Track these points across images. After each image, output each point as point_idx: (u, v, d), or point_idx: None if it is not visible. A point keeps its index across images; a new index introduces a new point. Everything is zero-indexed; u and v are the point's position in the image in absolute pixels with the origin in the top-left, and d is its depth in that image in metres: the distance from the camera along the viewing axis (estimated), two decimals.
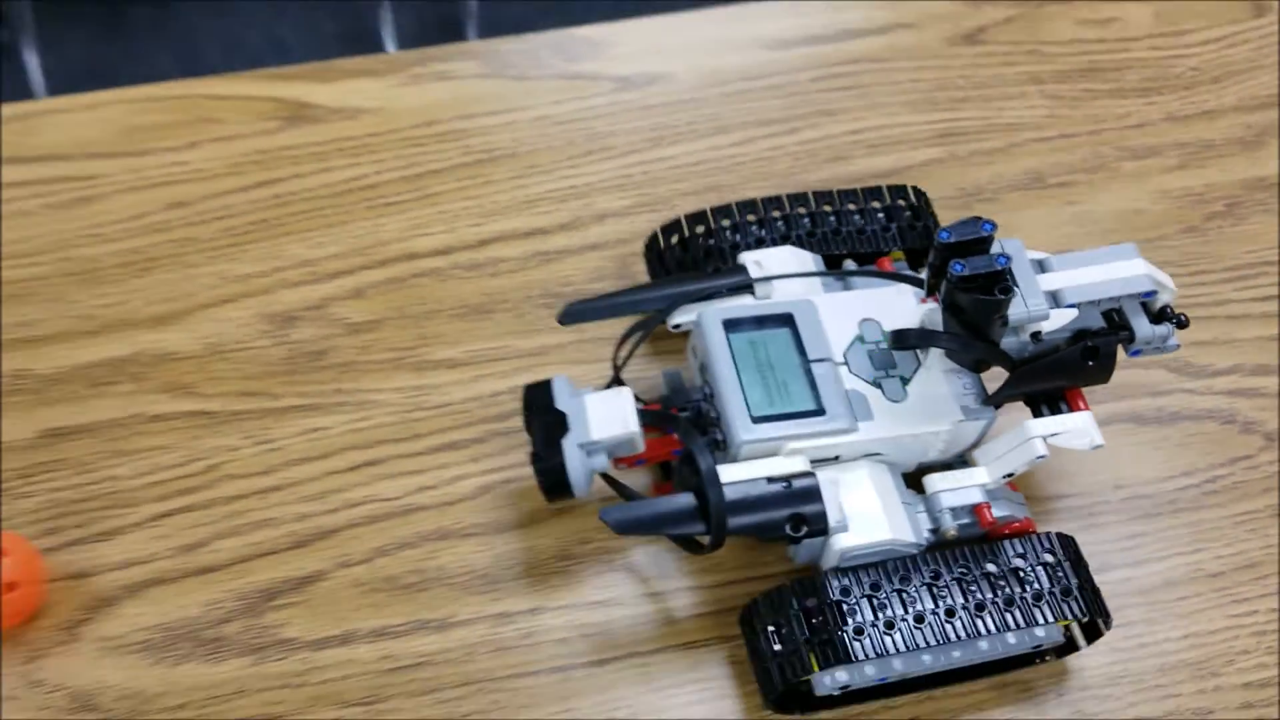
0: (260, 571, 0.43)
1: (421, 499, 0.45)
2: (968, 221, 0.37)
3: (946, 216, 0.50)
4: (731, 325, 0.41)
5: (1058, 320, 0.39)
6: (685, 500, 0.38)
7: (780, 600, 0.39)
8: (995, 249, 0.37)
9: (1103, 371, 0.40)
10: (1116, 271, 0.40)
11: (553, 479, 0.39)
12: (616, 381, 0.43)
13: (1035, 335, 0.39)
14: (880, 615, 0.37)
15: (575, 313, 0.43)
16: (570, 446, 0.39)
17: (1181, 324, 0.41)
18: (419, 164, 0.54)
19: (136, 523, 0.43)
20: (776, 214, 0.47)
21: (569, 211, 0.53)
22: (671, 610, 0.42)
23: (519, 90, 0.57)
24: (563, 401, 0.40)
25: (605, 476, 0.41)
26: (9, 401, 0.46)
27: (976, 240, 0.37)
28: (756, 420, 0.39)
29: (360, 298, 0.50)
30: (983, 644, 0.40)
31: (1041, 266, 0.40)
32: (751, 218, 0.47)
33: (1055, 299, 0.39)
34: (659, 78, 0.57)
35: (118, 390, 0.46)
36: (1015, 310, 0.38)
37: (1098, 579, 0.42)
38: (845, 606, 0.37)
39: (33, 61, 1.35)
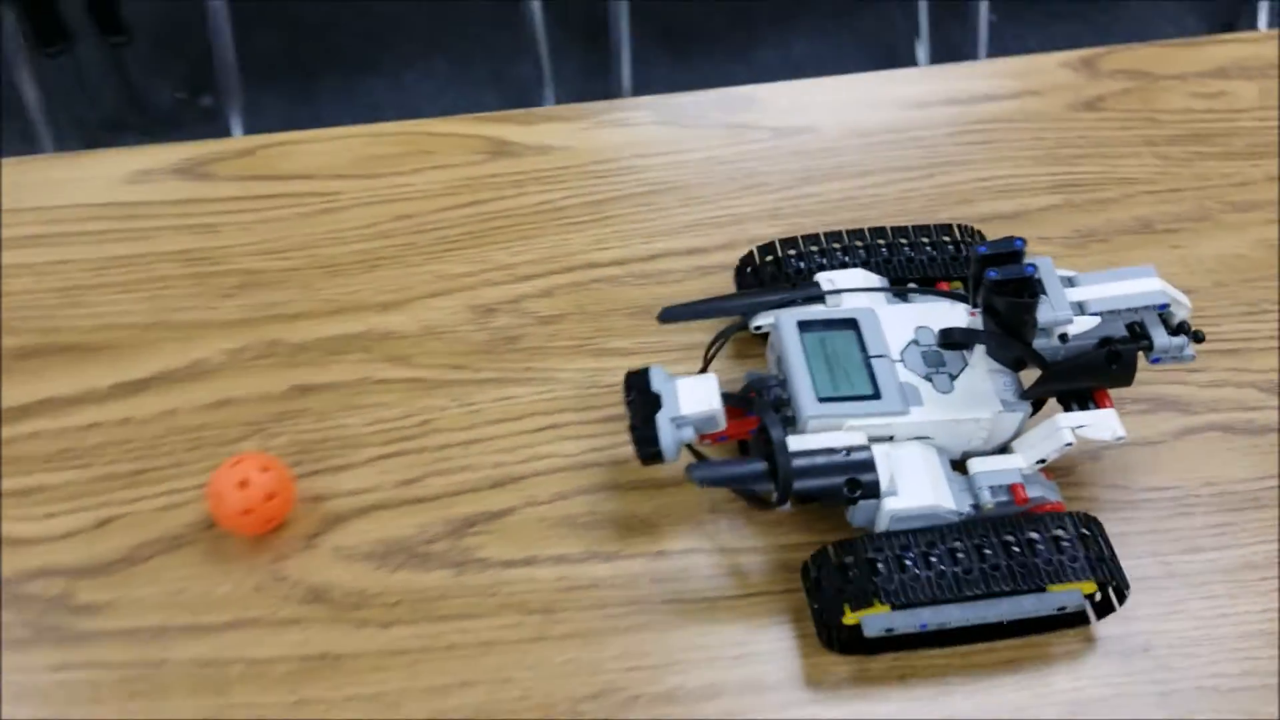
0: (462, 505, 0.51)
1: (594, 457, 0.53)
2: (1003, 240, 0.45)
3: (1057, 253, 0.57)
4: (804, 325, 0.49)
5: (1082, 325, 0.46)
6: (758, 464, 0.45)
7: (824, 557, 0.46)
8: (1026, 263, 0.45)
9: (1124, 374, 0.47)
10: (1135, 287, 0.47)
11: (647, 447, 0.46)
12: (705, 371, 0.51)
13: (1063, 337, 0.46)
14: (906, 570, 0.44)
15: (673, 313, 0.51)
16: (663, 420, 0.47)
17: (1198, 338, 0.47)
18: (599, 192, 0.63)
19: (363, 461, 0.53)
20: (858, 243, 0.54)
21: (726, 235, 0.61)
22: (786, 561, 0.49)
23: (687, 135, 0.66)
24: (658, 384, 0.48)
25: (691, 449, 0.49)
26: (266, 364, 0.56)
27: (1009, 253, 0.44)
28: (821, 400, 0.46)
29: (549, 296, 0.59)
30: (1005, 604, 0.45)
31: (1070, 282, 0.47)
32: (836, 245, 0.54)
33: (1081, 308, 0.46)
34: (808, 129, 0.66)
35: (350, 359, 0.56)
36: (1043, 314, 0.45)
37: (1187, 560, 0.48)
38: (876, 562, 0.44)
39: (236, 123, 1.52)
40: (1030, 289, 0.44)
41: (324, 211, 0.63)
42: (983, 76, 0.69)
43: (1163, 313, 0.47)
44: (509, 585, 0.49)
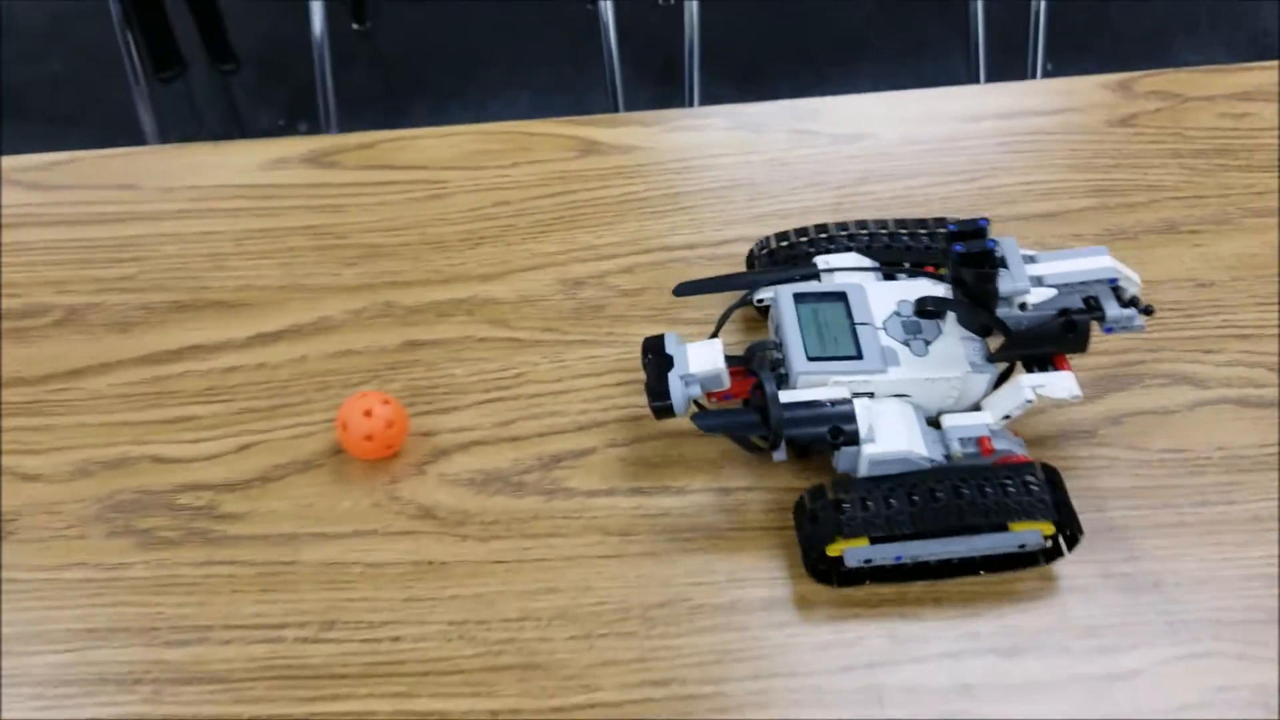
0: (551, 444, 0.59)
1: None
2: (969, 219, 0.51)
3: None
4: (799, 297, 0.55)
5: (1040, 296, 0.51)
6: (753, 413, 0.52)
7: (810, 496, 0.52)
8: (989, 239, 0.51)
9: (1079, 341, 0.52)
10: (1088, 264, 0.52)
11: (659, 400, 0.53)
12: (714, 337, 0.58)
13: (1023, 306, 0.51)
14: (868, 507, 0.50)
15: (686, 288, 0.58)
16: (674, 378, 0.54)
17: (1147, 310, 0.53)
18: (676, 186, 0.71)
19: (467, 405, 0.61)
20: (861, 231, 0.61)
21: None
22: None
23: (755, 139, 0.74)
24: (670, 348, 0.55)
25: (698, 405, 0.55)
26: (383, 322, 0.64)
27: (974, 231, 0.51)
28: (810, 359, 0.53)
29: (629, 273, 0.67)
30: (971, 542, 0.51)
31: (1032, 259, 0.53)
32: (842, 233, 0.61)
33: (1039, 281, 0.52)
34: (867, 137, 0.74)
35: (456, 320, 0.64)
36: (1004, 285, 0.51)
37: (1197, 511, 0.54)
38: (842, 501, 0.50)
39: None
40: (991, 261, 0.51)
41: (434, 197, 0.71)
42: (1029, 94, 0.76)
43: (1116, 287, 0.53)
44: (591, 511, 0.56)
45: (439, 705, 0.50)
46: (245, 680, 0.51)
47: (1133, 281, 0.53)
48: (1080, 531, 0.51)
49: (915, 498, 0.50)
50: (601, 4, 1.59)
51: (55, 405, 0.61)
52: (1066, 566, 0.53)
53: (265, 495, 0.57)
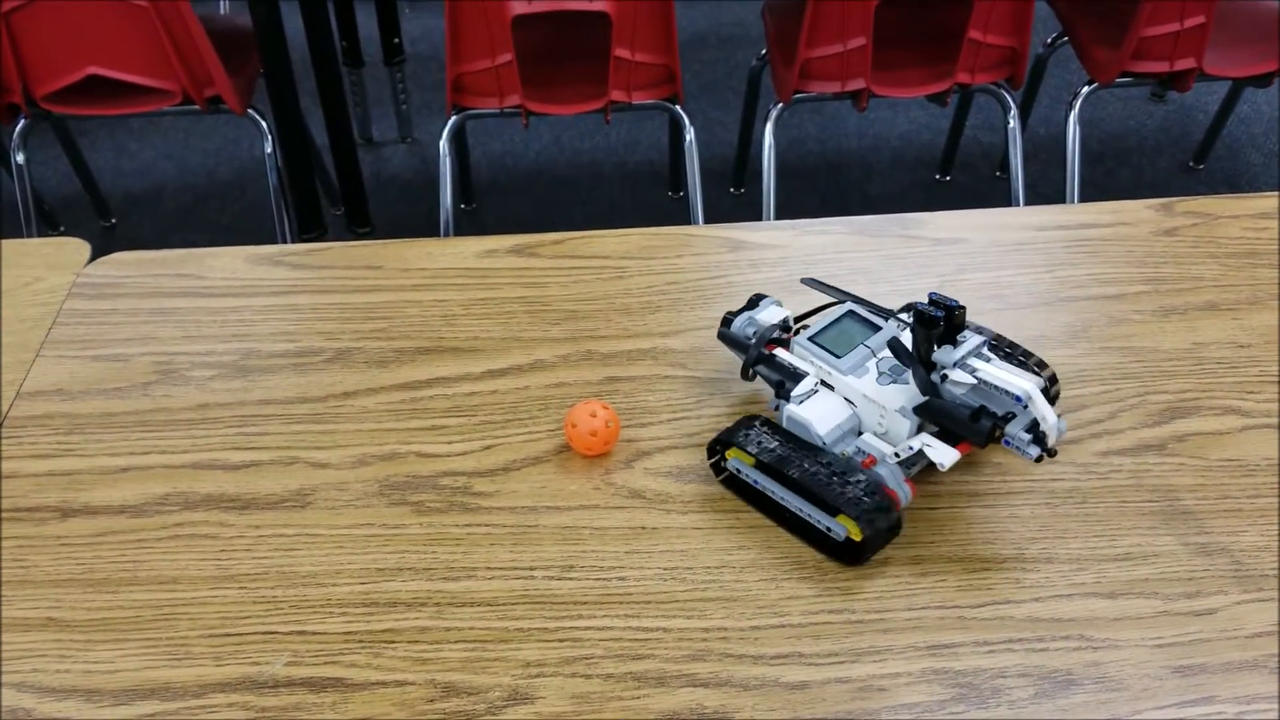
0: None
1: None
2: (949, 298, 0.62)
3: (1146, 324, 0.80)
4: (853, 314, 0.72)
5: (961, 378, 0.63)
6: (751, 351, 0.72)
7: (742, 418, 0.70)
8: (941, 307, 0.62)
9: (978, 435, 0.62)
10: (1012, 379, 0.62)
11: (723, 327, 0.75)
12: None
13: (943, 377, 0.64)
14: (760, 440, 0.68)
15: (810, 282, 0.75)
16: (742, 319, 0.75)
17: (1049, 452, 0.62)
18: (808, 273, 0.89)
19: (659, 421, 0.76)
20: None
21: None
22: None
23: (871, 241, 0.92)
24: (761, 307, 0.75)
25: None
26: (586, 363, 0.81)
27: (945, 305, 0.62)
28: (809, 339, 0.70)
29: None
30: (803, 505, 0.66)
31: (983, 356, 0.64)
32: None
33: (966, 367, 0.63)
34: (961, 240, 0.92)
35: (644, 363, 0.81)
36: (938, 353, 0.63)
37: (1252, 502, 0.69)
38: (753, 427, 0.68)
39: None
40: (934, 326, 0.62)
41: (617, 278, 0.89)
42: (1088, 213, 0.94)
43: (1035, 421, 0.62)
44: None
45: (662, 623, 0.64)
46: (508, 604, 0.65)
47: (1049, 423, 0.62)
48: (865, 558, 0.66)
49: (790, 450, 0.67)
50: (690, 194, 1.82)
51: (334, 416, 0.77)
52: (1153, 537, 0.68)
53: (508, 480, 0.72)
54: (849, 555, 0.66)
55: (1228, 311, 0.84)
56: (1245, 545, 0.67)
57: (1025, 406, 0.63)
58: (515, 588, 0.66)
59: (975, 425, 0.62)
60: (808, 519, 0.67)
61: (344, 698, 0.60)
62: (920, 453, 0.65)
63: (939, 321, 0.63)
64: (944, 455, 0.64)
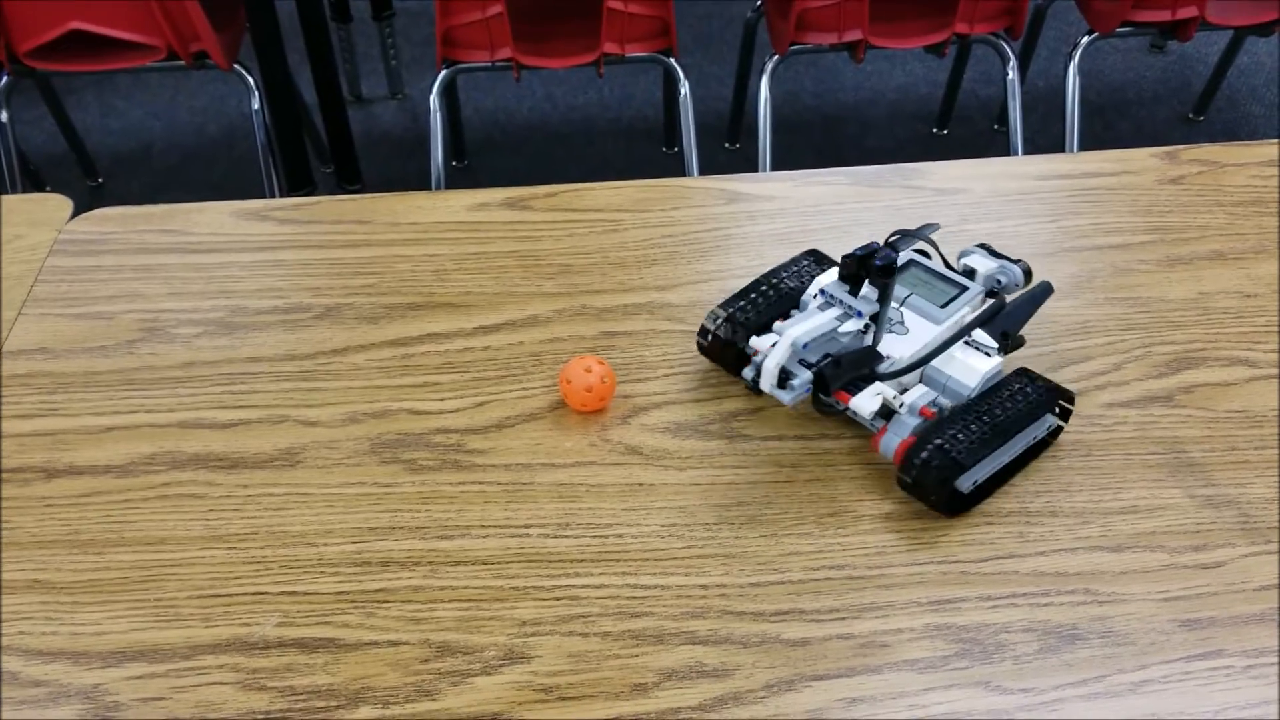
0: (729, 404, 0.73)
1: None
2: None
3: (1151, 274, 0.79)
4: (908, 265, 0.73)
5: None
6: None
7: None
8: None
9: (822, 383, 0.64)
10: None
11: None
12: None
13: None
14: (966, 460, 0.64)
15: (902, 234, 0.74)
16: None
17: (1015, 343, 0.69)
18: (809, 225, 0.87)
19: (656, 376, 0.75)
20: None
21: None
22: None
23: (872, 192, 0.90)
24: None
25: None
26: (581, 318, 0.79)
27: (885, 255, 0.63)
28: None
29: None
30: (1020, 439, 0.67)
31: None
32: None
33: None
34: (962, 190, 0.90)
35: (640, 318, 0.79)
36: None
37: (1259, 453, 0.67)
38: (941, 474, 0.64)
39: None
40: (882, 273, 0.64)
41: (612, 231, 0.87)
42: (1091, 162, 0.93)
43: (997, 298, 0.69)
44: (767, 450, 0.70)
45: (659, 580, 0.63)
46: (503, 562, 0.64)
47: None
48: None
49: (978, 427, 0.66)
50: (685, 150, 1.80)
51: (324, 373, 0.76)
52: (1159, 489, 0.66)
53: (502, 437, 0.71)
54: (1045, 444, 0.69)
55: (1234, 261, 0.83)
56: (1252, 497, 0.66)
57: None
58: (510, 546, 0.65)
59: (840, 366, 0.65)
60: (1032, 441, 0.68)
61: (335, 658, 0.59)
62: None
63: (888, 267, 0.63)
64: (869, 405, 0.67)
